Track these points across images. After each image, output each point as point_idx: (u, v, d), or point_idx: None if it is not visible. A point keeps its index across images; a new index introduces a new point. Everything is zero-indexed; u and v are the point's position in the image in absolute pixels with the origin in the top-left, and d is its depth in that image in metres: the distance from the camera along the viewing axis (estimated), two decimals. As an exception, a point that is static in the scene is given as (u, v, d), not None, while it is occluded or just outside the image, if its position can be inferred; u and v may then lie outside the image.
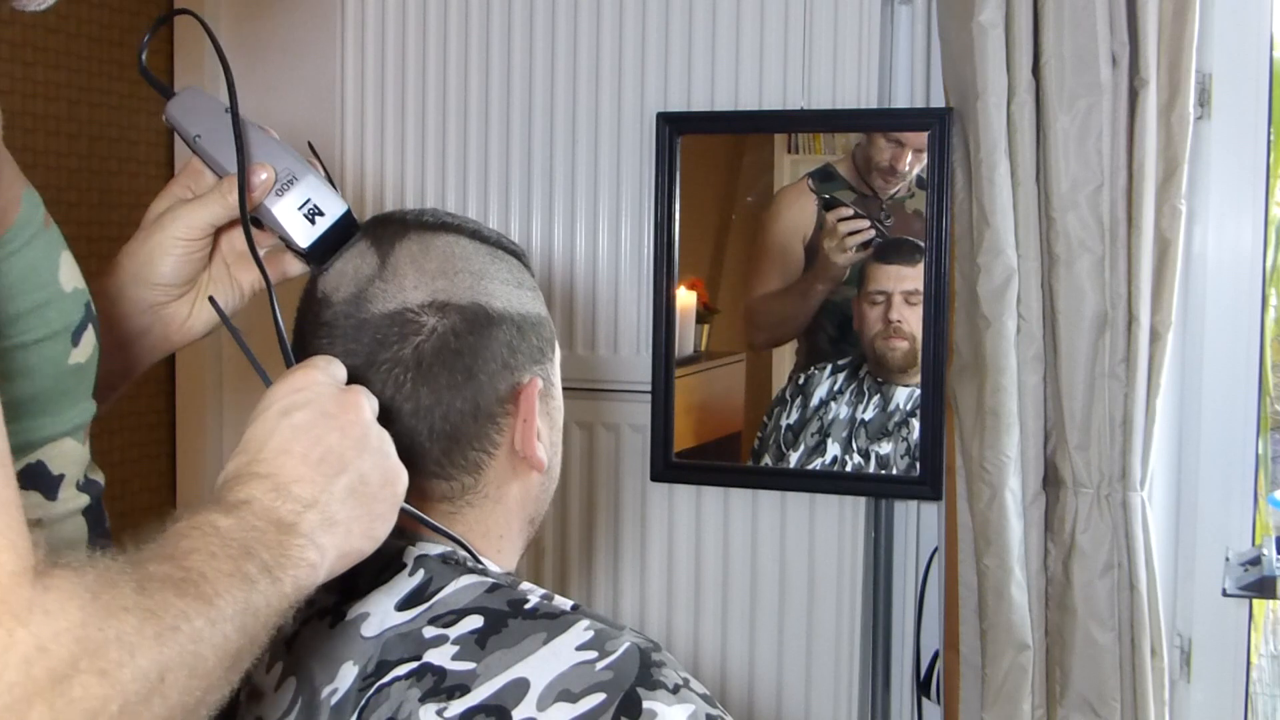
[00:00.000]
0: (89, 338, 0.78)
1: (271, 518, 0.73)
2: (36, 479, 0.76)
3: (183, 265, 0.98)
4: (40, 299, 0.71)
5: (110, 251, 1.00)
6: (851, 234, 1.78)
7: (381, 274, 0.91)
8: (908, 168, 1.76)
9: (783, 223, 1.84)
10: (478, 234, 0.95)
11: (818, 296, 1.82)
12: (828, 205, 1.78)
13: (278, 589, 0.70)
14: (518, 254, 0.98)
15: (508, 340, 0.92)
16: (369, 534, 0.80)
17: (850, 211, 1.78)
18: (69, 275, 0.76)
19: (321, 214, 0.95)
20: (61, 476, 0.79)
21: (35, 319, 0.69)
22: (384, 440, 0.83)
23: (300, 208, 0.95)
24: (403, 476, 0.83)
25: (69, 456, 0.80)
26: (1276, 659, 2.07)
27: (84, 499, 0.82)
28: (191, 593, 0.63)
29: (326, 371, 0.83)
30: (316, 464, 0.77)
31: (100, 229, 2.02)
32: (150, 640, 0.59)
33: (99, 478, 0.83)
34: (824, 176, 1.81)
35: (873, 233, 1.77)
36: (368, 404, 0.83)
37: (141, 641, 0.58)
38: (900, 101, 1.89)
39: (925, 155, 1.75)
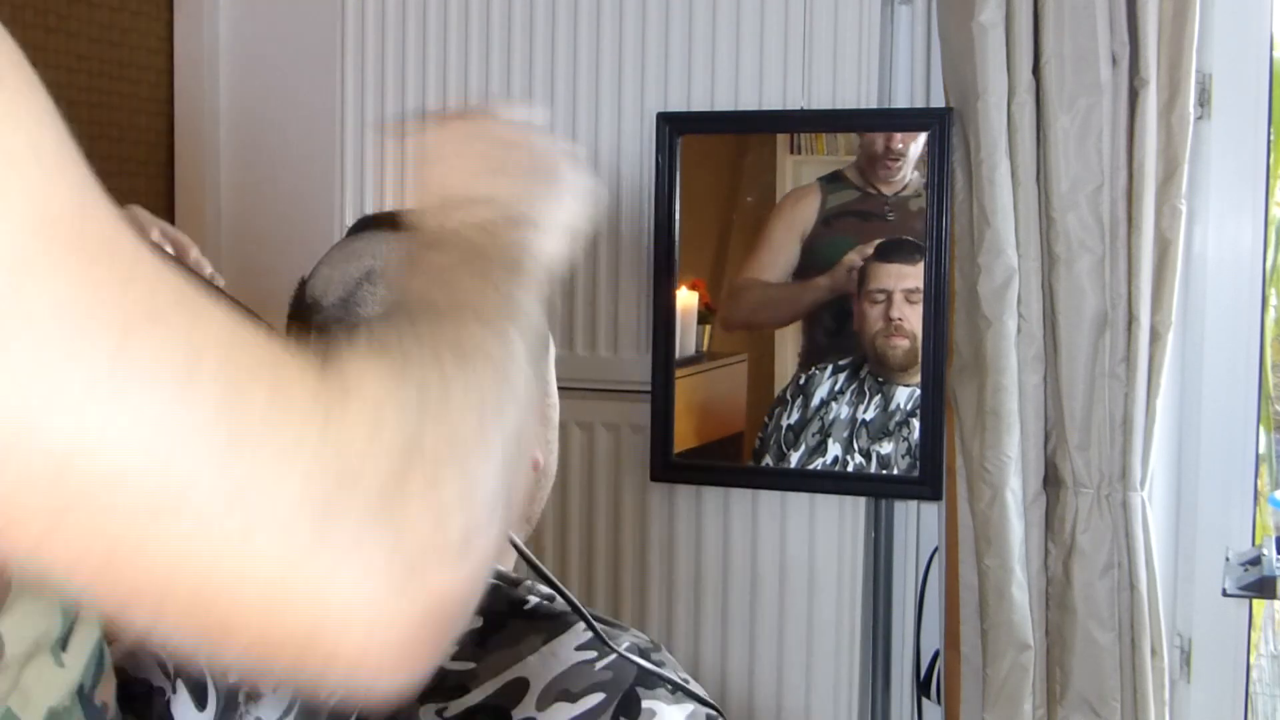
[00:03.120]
0: None
1: (483, 232, 0.68)
2: None
3: None
4: None
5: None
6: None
7: (370, 277, 0.90)
8: (900, 145, 1.76)
9: (783, 218, 1.83)
10: None
11: (803, 305, 1.83)
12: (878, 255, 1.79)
13: (522, 278, 0.65)
14: None
15: None
16: (564, 203, 0.75)
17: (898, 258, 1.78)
18: None
19: None
20: None
21: None
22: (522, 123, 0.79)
23: None
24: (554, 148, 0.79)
25: None
26: (1276, 659, 2.07)
27: None
28: (465, 319, 0.58)
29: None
30: (495, 173, 0.74)
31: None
32: (463, 373, 0.53)
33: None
34: (832, 179, 1.81)
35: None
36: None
37: (458, 375, 0.53)
38: (900, 101, 1.89)
39: (923, 139, 1.75)
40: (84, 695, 0.72)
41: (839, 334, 1.82)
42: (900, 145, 1.76)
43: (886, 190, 1.78)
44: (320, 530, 0.44)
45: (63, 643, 0.69)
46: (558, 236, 0.72)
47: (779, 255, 1.83)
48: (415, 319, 0.57)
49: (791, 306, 1.83)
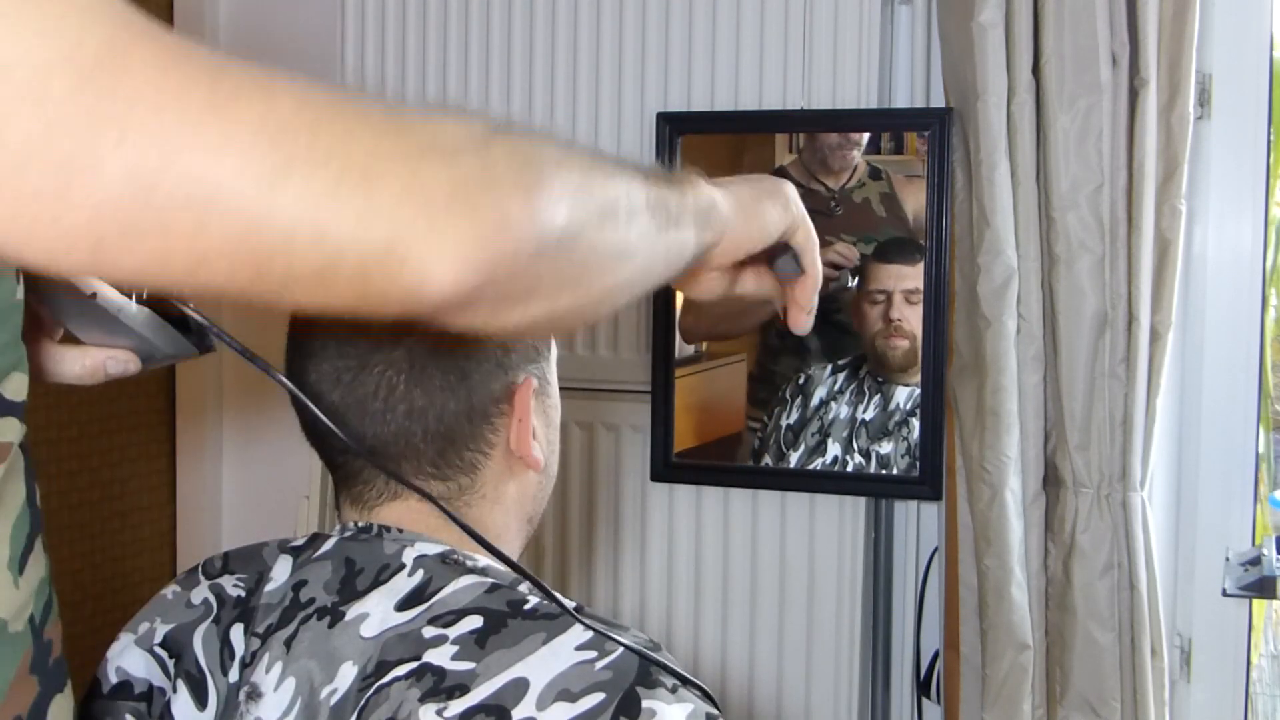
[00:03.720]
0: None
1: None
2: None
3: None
4: None
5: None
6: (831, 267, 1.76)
7: None
8: (852, 152, 1.77)
9: None
10: None
11: (752, 318, 1.83)
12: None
13: (692, 195, 0.72)
14: None
15: (501, 340, 0.92)
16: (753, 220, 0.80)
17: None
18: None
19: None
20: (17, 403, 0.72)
21: None
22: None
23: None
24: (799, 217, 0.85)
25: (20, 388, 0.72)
26: (1276, 659, 2.07)
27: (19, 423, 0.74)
28: (609, 169, 0.64)
29: None
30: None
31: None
32: (605, 187, 0.61)
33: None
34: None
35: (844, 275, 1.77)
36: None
37: (601, 189, 0.61)
38: (900, 101, 1.89)
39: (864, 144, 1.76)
40: (34, 625, 0.72)
41: (839, 335, 1.82)
42: (850, 155, 1.77)
43: (833, 183, 1.78)
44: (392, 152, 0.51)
45: (19, 564, 0.70)
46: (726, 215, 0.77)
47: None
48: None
49: (751, 311, 1.80)
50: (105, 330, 0.79)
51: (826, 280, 1.71)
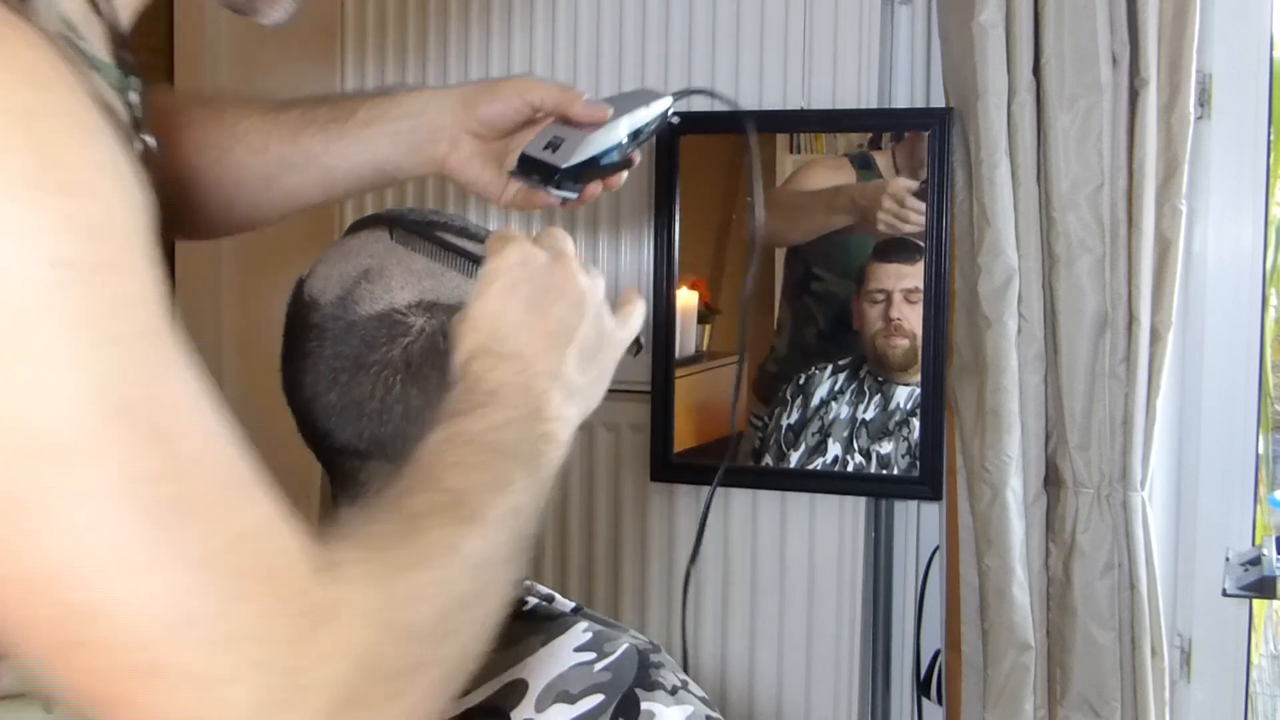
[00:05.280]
0: None
1: (524, 403, 0.75)
2: None
3: (504, 117, 1.02)
4: None
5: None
6: (912, 219, 1.76)
7: (368, 275, 0.90)
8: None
9: (818, 179, 1.82)
10: (464, 231, 0.95)
11: (819, 220, 1.81)
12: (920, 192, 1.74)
13: (535, 480, 0.72)
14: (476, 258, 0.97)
15: None
16: (596, 395, 0.84)
17: (919, 202, 1.76)
18: None
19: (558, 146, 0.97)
20: None
21: None
22: (594, 295, 0.85)
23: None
24: (615, 332, 0.87)
25: None
26: (1276, 659, 2.07)
27: None
28: (460, 516, 0.65)
29: (535, 242, 0.85)
30: (551, 337, 0.80)
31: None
32: (440, 584, 0.61)
33: None
34: (862, 163, 1.80)
35: (918, 224, 1.76)
36: (577, 265, 0.85)
37: (431, 591, 0.61)
38: (900, 101, 1.88)
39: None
40: None
41: (839, 334, 1.82)
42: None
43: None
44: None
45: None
46: (572, 431, 0.79)
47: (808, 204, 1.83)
48: (415, 509, 0.64)
49: (812, 215, 1.81)
50: None
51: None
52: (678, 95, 1.03)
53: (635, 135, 1.00)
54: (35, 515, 0.49)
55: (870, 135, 1.80)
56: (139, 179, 0.55)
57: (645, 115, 1.00)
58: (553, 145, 0.97)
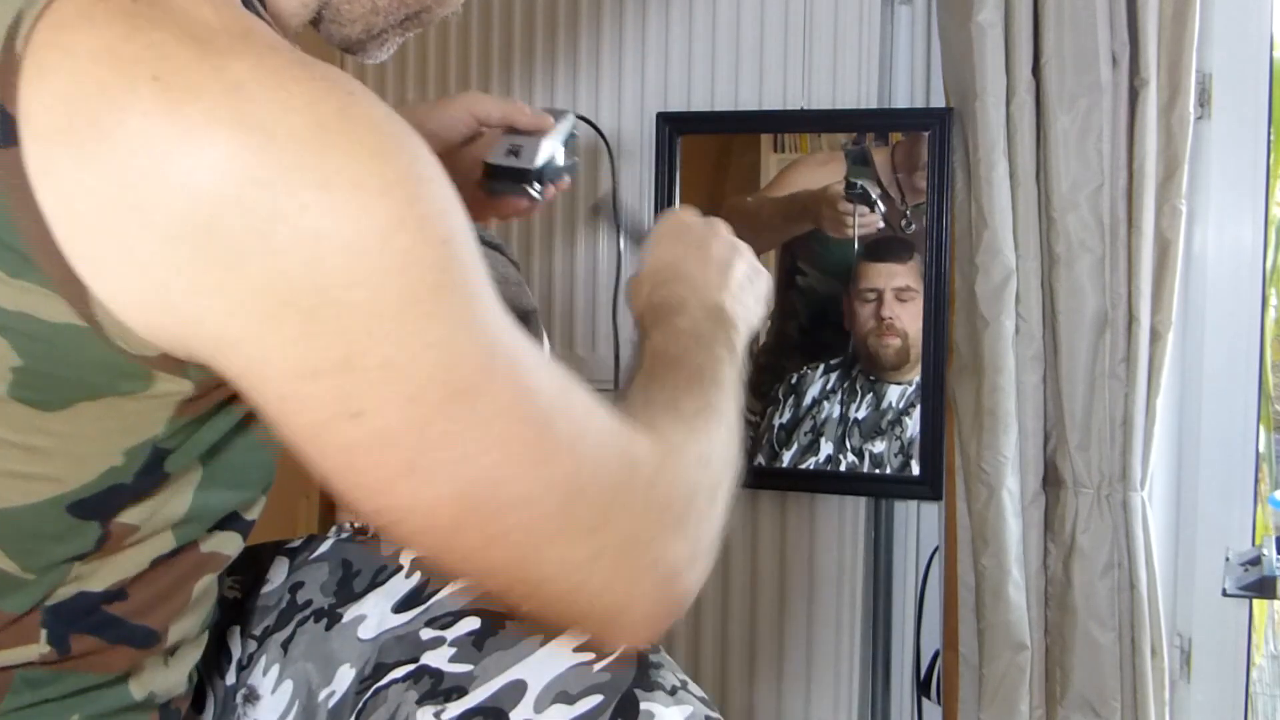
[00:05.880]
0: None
1: (706, 305, 0.92)
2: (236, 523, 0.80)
3: (452, 129, 1.11)
4: None
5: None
6: (848, 222, 1.77)
7: None
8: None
9: (799, 175, 1.83)
10: None
11: (779, 228, 1.84)
12: (849, 190, 1.77)
13: (735, 356, 0.89)
14: (499, 248, 0.98)
15: None
16: (755, 318, 0.99)
17: (865, 209, 1.77)
18: None
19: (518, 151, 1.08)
20: (254, 522, 0.82)
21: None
22: (740, 246, 1.01)
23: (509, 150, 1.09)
24: (763, 273, 1.02)
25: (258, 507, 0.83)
26: (1276, 659, 2.07)
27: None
28: (707, 382, 0.82)
29: (689, 211, 1.04)
30: (717, 267, 0.96)
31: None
32: (713, 430, 0.78)
33: (233, 549, 0.83)
34: (858, 159, 1.80)
35: (875, 229, 1.77)
36: (724, 226, 1.02)
37: (710, 435, 0.77)
38: (900, 101, 1.88)
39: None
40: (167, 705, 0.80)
41: (830, 334, 1.82)
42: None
43: (910, 199, 1.77)
44: (634, 562, 0.69)
45: (172, 651, 0.78)
46: (750, 331, 0.96)
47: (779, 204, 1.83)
48: (673, 381, 0.81)
49: (770, 223, 1.84)
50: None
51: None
52: (579, 116, 1.16)
53: (568, 141, 1.12)
54: (460, 445, 0.62)
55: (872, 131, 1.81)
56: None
57: (571, 124, 1.13)
58: (513, 152, 1.07)
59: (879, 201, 1.76)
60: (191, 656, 0.81)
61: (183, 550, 0.74)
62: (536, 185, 1.07)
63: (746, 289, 0.98)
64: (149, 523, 0.70)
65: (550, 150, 1.08)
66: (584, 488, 0.65)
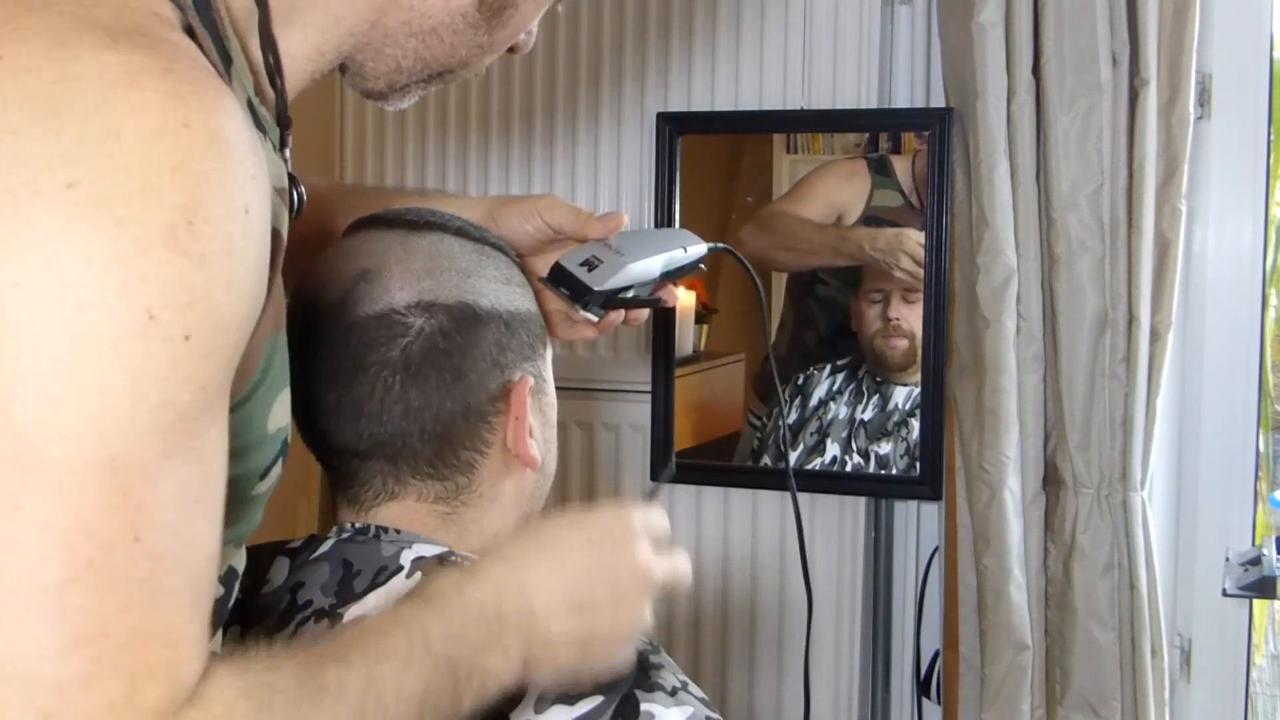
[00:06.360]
0: (276, 471, 0.77)
1: (508, 603, 0.75)
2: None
3: (526, 234, 1.01)
4: (242, 444, 0.69)
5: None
6: (920, 275, 1.76)
7: (366, 275, 0.90)
8: None
9: (830, 183, 1.82)
10: (463, 231, 0.94)
11: (828, 254, 1.81)
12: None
13: (455, 702, 0.71)
14: (504, 250, 0.97)
15: (496, 339, 0.92)
16: (567, 666, 0.79)
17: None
18: (278, 415, 0.74)
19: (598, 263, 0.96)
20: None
21: (232, 461, 0.67)
22: (650, 578, 0.82)
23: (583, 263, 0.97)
24: (641, 620, 0.82)
25: (231, 558, 0.79)
26: (1276, 659, 2.06)
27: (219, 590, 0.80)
28: (363, 709, 0.64)
29: (649, 527, 0.84)
30: (574, 606, 0.78)
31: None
32: None
33: (239, 564, 0.81)
34: (879, 168, 1.80)
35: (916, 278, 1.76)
36: (647, 549, 0.83)
37: None
38: (900, 101, 1.88)
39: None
40: None
41: (837, 335, 1.82)
42: None
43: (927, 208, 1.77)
44: None
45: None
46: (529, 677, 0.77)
47: (812, 209, 1.82)
48: (329, 675, 0.64)
49: (818, 253, 1.81)
50: None
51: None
52: (712, 249, 1.03)
53: (667, 274, 1.00)
54: None
55: (888, 138, 1.80)
56: (262, 271, 0.60)
57: (681, 258, 1.01)
58: (589, 264, 0.97)
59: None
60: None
61: None
62: (593, 307, 0.96)
63: (573, 633, 0.78)
64: None
65: (632, 278, 0.96)
66: (50, 698, 0.53)
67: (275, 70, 0.72)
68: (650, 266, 0.99)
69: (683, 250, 1.01)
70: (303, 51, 0.75)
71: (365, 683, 0.65)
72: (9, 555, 0.52)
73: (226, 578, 0.77)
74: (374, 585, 0.88)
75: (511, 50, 0.86)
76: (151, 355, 0.54)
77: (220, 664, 0.59)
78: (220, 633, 0.80)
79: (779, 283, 1.86)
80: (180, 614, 0.56)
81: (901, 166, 1.79)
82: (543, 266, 1.00)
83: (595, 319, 0.98)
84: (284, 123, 0.74)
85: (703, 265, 1.05)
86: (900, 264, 1.75)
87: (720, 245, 1.03)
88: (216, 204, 0.56)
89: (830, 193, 1.82)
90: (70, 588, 0.53)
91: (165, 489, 0.55)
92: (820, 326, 1.83)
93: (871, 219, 1.79)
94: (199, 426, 0.57)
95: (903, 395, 1.78)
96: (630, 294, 0.98)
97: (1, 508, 0.52)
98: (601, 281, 0.96)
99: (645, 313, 1.04)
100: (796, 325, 1.85)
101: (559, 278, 0.98)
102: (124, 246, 0.53)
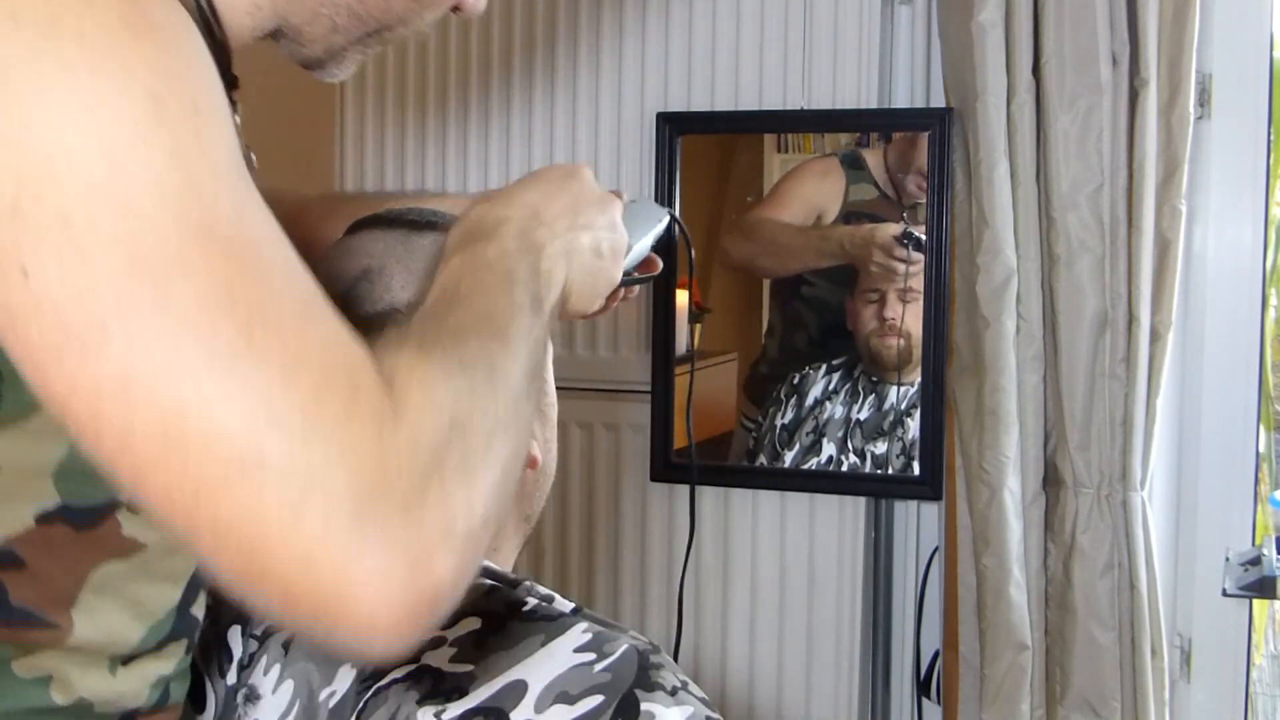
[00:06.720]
0: None
1: (526, 238, 0.78)
2: None
3: None
4: None
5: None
6: (900, 270, 1.75)
7: (368, 274, 0.90)
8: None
9: (805, 184, 1.82)
10: None
11: (811, 257, 1.81)
12: (904, 239, 1.75)
13: (539, 313, 0.75)
14: None
15: None
16: (592, 293, 0.86)
17: (913, 254, 1.75)
18: None
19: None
20: None
21: None
22: (614, 208, 0.89)
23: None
24: (621, 234, 0.89)
25: None
26: (1276, 659, 2.07)
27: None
28: (489, 333, 0.68)
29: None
30: (567, 208, 0.83)
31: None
32: (482, 390, 0.64)
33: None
34: (851, 163, 1.80)
35: (912, 271, 1.75)
36: (617, 206, 0.89)
37: (475, 396, 0.63)
38: (900, 101, 1.88)
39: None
40: (132, 715, 0.76)
41: (833, 334, 1.82)
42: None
43: (904, 199, 1.77)
44: (355, 521, 0.55)
45: (122, 661, 0.74)
46: (568, 291, 0.82)
47: (792, 212, 1.82)
48: (450, 325, 0.68)
49: (800, 257, 1.82)
50: None
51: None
52: (669, 212, 1.08)
53: (654, 246, 1.05)
54: (135, 323, 0.53)
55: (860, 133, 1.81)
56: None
57: (659, 230, 1.05)
58: None
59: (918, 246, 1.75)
60: (153, 670, 0.77)
61: (80, 517, 0.69)
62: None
63: (584, 239, 0.84)
64: (10, 459, 0.66)
65: (636, 257, 1.00)
66: (291, 422, 0.54)
67: (212, 14, 0.70)
68: (645, 245, 1.03)
69: (659, 222, 1.05)
70: (240, 4, 0.74)
71: (477, 316, 0.70)
72: (186, 343, 0.54)
73: (125, 549, 0.76)
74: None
75: (456, 10, 0.84)
76: (174, 131, 0.56)
77: (389, 353, 0.62)
78: (208, 625, 0.80)
79: (764, 286, 1.86)
80: (334, 319, 0.59)
81: (874, 159, 1.79)
82: None
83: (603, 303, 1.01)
84: (230, 81, 0.71)
85: (663, 236, 1.09)
86: (874, 259, 1.75)
87: (669, 210, 1.08)
88: (154, 6, 0.58)
89: (807, 194, 1.82)
90: (254, 335, 0.55)
91: (255, 234, 0.58)
92: (810, 327, 1.84)
93: (851, 214, 1.80)
94: (245, 180, 0.59)
95: (899, 395, 1.78)
96: (634, 273, 1.02)
97: (149, 311, 0.53)
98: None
99: (636, 289, 1.07)
100: (785, 327, 1.85)
101: None
102: (96, 45, 0.55)
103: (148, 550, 0.74)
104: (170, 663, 0.79)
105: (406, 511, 0.56)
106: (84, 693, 0.72)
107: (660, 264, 1.07)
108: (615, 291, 1.01)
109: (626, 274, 0.98)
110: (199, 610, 0.82)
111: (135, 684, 0.76)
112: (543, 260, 0.79)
